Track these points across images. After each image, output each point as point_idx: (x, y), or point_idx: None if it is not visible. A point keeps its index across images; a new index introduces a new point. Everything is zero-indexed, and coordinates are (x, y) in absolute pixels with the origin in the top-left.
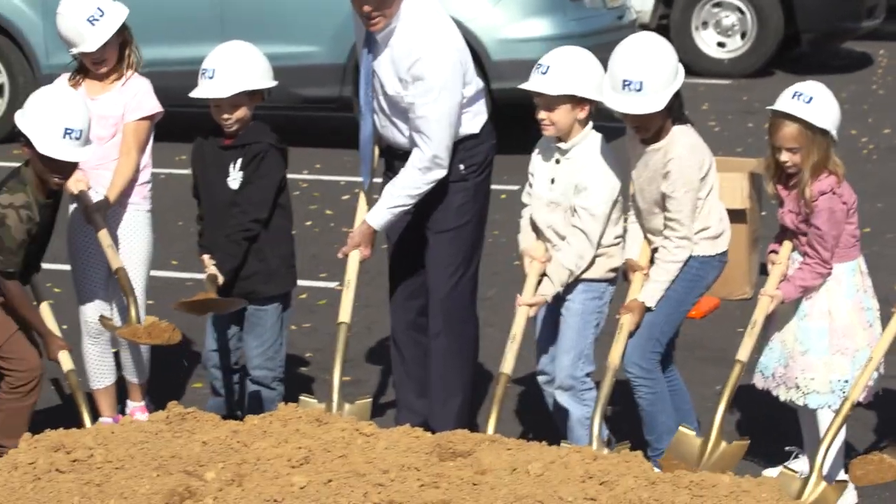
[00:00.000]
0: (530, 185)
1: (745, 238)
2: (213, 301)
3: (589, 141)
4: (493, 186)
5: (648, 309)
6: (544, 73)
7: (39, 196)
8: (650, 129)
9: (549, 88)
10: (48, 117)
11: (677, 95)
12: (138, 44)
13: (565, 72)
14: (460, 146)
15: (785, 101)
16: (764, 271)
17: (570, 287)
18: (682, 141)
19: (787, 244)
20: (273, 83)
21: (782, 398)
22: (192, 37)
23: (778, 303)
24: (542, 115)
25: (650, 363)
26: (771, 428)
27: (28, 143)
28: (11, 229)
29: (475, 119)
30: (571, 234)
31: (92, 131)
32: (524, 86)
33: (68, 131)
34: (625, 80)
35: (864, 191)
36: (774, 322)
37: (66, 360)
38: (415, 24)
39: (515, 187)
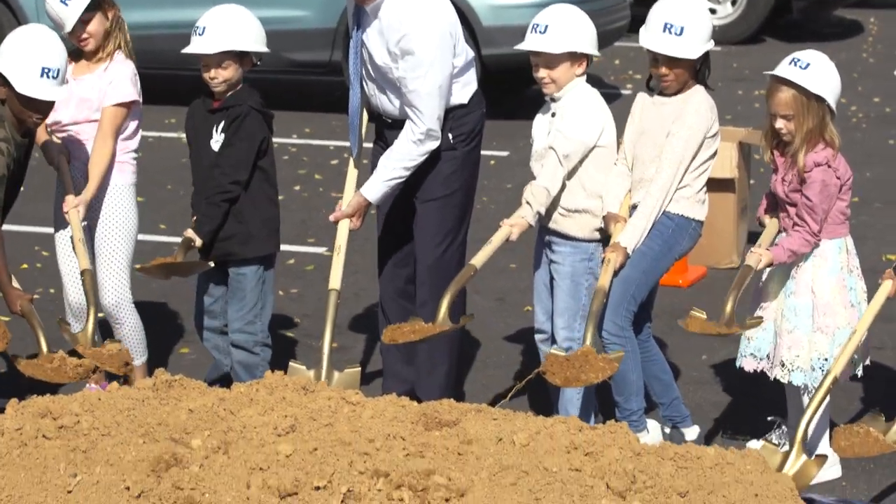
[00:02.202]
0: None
1: (733, 207)
2: (176, 265)
3: (579, 87)
4: (482, 152)
5: (627, 257)
6: (543, 33)
7: (16, 134)
8: (678, 79)
9: (550, 47)
10: (25, 56)
11: (706, 58)
12: (130, 9)
13: (565, 30)
14: (449, 116)
15: (782, 67)
16: (752, 240)
17: (558, 249)
18: (704, 96)
19: (774, 222)
20: (264, 49)
21: (772, 377)
22: (182, 0)
23: (767, 263)
24: (542, 73)
25: (624, 321)
26: (754, 400)
27: (5, 83)
28: None
29: (465, 89)
30: (546, 157)
31: (71, 113)
32: (523, 46)
33: (45, 70)
34: (667, 23)
35: (853, 160)
36: (764, 301)
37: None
38: None
39: (504, 153)
